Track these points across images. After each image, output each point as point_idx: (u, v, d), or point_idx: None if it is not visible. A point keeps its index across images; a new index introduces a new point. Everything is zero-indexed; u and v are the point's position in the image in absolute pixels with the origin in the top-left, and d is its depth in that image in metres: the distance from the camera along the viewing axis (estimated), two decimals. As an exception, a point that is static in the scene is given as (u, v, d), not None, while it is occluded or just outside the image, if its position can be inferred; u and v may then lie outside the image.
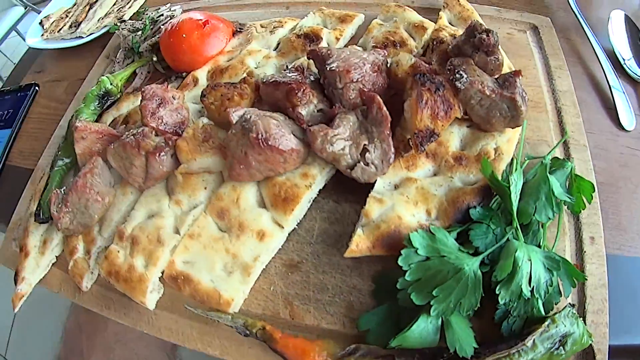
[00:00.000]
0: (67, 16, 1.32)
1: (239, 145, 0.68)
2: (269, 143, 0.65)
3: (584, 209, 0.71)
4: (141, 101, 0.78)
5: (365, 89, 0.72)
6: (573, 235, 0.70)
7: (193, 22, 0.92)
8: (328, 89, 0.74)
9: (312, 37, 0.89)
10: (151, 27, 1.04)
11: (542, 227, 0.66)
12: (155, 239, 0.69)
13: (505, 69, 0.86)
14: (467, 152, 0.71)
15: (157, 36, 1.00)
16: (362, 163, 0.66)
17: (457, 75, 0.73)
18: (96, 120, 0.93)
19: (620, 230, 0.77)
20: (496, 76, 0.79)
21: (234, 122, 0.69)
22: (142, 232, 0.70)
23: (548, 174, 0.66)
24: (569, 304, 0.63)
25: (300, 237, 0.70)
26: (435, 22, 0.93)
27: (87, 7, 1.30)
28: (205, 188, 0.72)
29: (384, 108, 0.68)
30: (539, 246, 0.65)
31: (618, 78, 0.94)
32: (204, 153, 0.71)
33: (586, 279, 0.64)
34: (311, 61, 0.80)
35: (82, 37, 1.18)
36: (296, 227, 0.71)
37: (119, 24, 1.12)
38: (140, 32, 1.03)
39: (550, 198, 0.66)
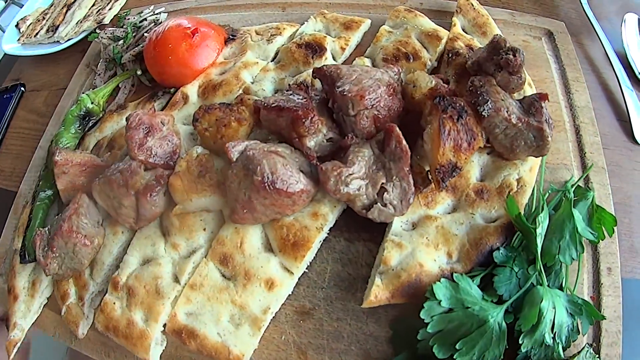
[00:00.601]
0: (44, 18, 1.13)
1: (242, 188, 0.57)
2: (276, 186, 0.55)
3: (602, 240, 0.66)
4: (126, 130, 0.65)
5: (380, 116, 0.61)
6: (590, 267, 0.64)
7: (180, 31, 0.76)
8: (338, 113, 0.62)
9: (314, 46, 0.75)
10: (133, 34, 0.87)
11: (564, 266, 0.59)
12: (154, 289, 0.59)
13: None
14: (489, 184, 0.62)
15: (141, 45, 0.84)
16: (379, 204, 0.57)
17: (481, 99, 0.62)
18: (78, 144, 0.79)
19: (633, 252, 0.70)
20: (519, 97, 0.69)
21: (234, 159, 0.58)
22: (139, 281, 0.60)
23: (572, 210, 0.59)
24: (587, 344, 0.58)
25: (311, 281, 0.61)
26: (448, 29, 0.80)
27: (65, 9, 1.11)
28: (205, 229, 0.61)
29: (404, 142, 0.57)
30: (561, 288, 0.58)
31: (632, 86, 0.86)
32: (201, 192, 0.60)
33: (604, 318, 0.59)
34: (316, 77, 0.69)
35: (60, 43, 1.01)
36: (306, 270, 0.62)
37: (98, 31, 0.95)
38: (121, 41, 0.87)
39: (575, 236, 0.59)
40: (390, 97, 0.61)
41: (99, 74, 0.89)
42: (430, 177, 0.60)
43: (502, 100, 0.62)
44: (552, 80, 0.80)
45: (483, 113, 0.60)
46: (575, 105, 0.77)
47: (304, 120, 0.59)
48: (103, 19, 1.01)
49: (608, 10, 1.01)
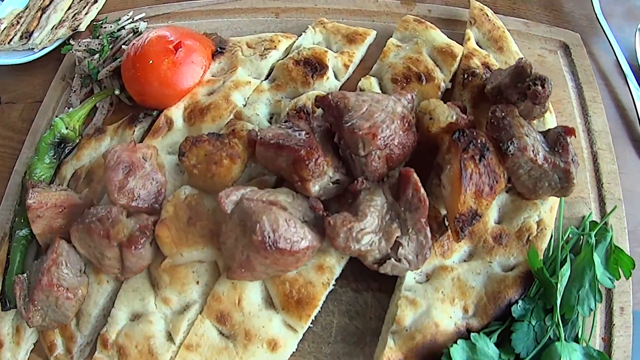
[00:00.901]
0: (18, 22, 0.98)
1: (239, 246, 0.48)
2: (279, 246, 0.46)
3: (618, 279, 0.62)
4: (104, 171, 0.56)
5: (393, 155, 0.52)
6: (604, 307, 0.60)
7: (161, 45, 0.64)
8: (345, 151, 0.54)
9: (314, 63, 0.64)
10: (110, 46, 0.75)
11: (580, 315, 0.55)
12: (147, 349, 0.52)
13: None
14: (507, 228, 0.56)
15: (119, 60, 0.72)
16: (393, 259, 0.51)
17: (504, 135, 0.53)
18: (54, 174, 0.69)
19: None
20: (541, 128, 0.61)
21: (228, 211, 0.50)
22: (130, 340, 0.53)
23: (593, 256, 0.54)
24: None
25: (316, 335, 0.55)
26: (461, 41, 0.70)
27: (40, 13, 0.95)
28: (198, 282, 0.54)
29: (422, 190, 0.49)
30: (577, 339, 0.54)
31: None
32: (192, 245, 0.52)
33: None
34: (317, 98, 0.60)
35: (34, 51, 0.88)
36: (311, 324, 0.55)
37: (72, 42, 0.81)
38: (97, 55, 0.74)
39: (594, 284, 0.54)
40: (405, 133, 0.53)
41: (75, 91, 0.77)
42: (446, 223, 0.54)
43: (527, 135, 0.55)
44: (570, 102, 0.72)
45: (508, 152, 0.53)
46: (592, 130, 0.69)
47: (307, 162, 0.50)
48: (79, 25, 0.87)
49: (618, 18, 0.93)
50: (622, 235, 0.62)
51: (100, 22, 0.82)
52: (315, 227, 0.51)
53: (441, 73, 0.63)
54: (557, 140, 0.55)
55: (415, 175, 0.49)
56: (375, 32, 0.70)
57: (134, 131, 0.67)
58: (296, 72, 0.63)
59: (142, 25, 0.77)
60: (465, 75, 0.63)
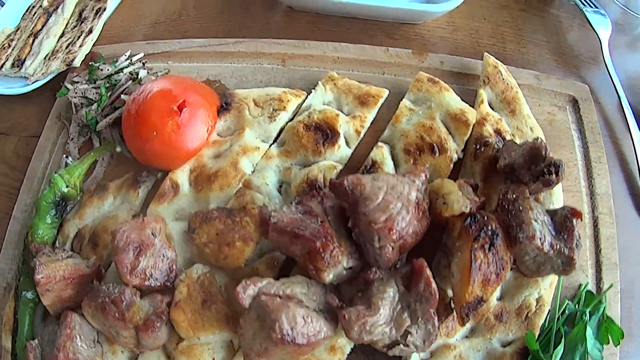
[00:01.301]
0: (9, 45, 0.92)
1: (257, 339, 0.48)
2: (297, 342, 0.47)
3: (606, 344, 0.64)
4: (114, 252, 0.54)
5: (406, 245, 0.52)
6: None
7: (164, 105, 0.60)
8: (359, 238, 0.53)
9: (325, 129, 0.62)
10: (108, 94, 0.70)
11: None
12: None
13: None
14: (508, 305, 0.58)
15: (118, 111, 0.68)
16: (401, 345, 0.53)
17: (515, 222, 0.53)
18: (57, 233, 0.67)
19: (630, 336, 0.66)
20: (547, 199, 0.62)
21: (246, 306, 0.50)
22: None
23: (586, 332, 0.56)
24: None
25: None
26: (474, 98, 0.68)
27: (31, 39, 0.89)
28: (214, 359, 0.55)
29: (433, 284, 0.50)
30: None
31: None
32: (209, 329, 0.52)
33: None
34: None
35: (27, 81, 0.83)
36: None
37: (67, 86, 0.75)
38: (95, 105, 0.70)
39: (584, 357, 0.59)
40: (419, 222, 0.53)
41: (72, 139, 0.73)
42: (452, 305, 0.56)
43: (536, 220, 0.55)
44: (575, 164, 0.72)
45: (517, 239, 0.54)
46: (595, 193, 0.70)
47: (322, 254, 0.50)
48: (73, 59, 0.81)
49: (629, 63, 0.91)
50: (615, 300, 0.64)
51: (97, 64, 0.76)
52: (330, 315, 0.52)
53: (454, 142, 0.62)
54: (563, 223, 0.56)
55: (427, 269, 0.50)
56: (388, 92, 0.67)
57: (138, 193, 0.65)
58: (307, 139, 0.61)
59: (141, 73, 0.72)
60: (478, 146, 0.62)
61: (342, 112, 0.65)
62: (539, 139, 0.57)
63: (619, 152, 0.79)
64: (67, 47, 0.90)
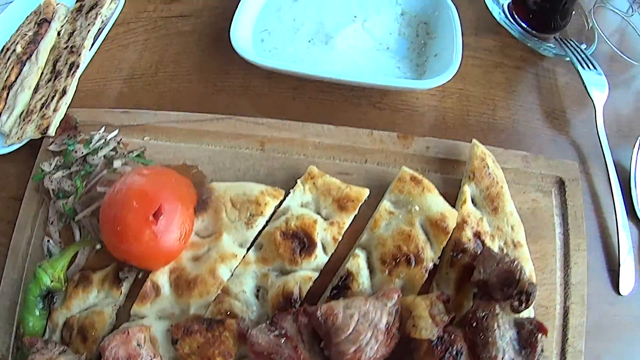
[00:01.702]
0: None
1: None
2: None
3: None
4: None
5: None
6: None
7: (140, 214, 0.58)
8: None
9: (302, 237, 0.60)
10: (84, 183, 0.68)
11: None
12: None
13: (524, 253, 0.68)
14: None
15: (96, 204, 0.66)
16: None
17: (479, 339, 0.54)
18: (47, 322, 0.67)
19: None
20: (514, 316, 0.61)
21: None
22: None
23: None
24: None
25: None
26: (456, 197, 0.67)
27: (5, 92, 0.85)
28: None
29: None
30: None
31: (630, 226, 0.79)
32: None
33: None
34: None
35: (4, 140, 0.80)
36: None
37: (42, 167, 0.72)
38: (71, 198, 0.68)
39: None
40: (387, 346, 0.53)
41: (52, 222, 0.71)
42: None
43: (501, 338, 0.56)
44: (554, 255, 0.70)
45: (481, 357, 0.55)
46: (570, 283, 0.70)
47: (294, 383, 0.51)
48: (48, 126, 0.77)
49: (623, 135, 0.87)
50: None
51: (71, 147, 0.72)
52: None
53: (431, 250, 0.60)
54: (528, 338, 0.57)
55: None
56: (368, 191, 0.64)
57: (121, 291, 0.65)
58: (284, 248, 0.60)
59: (116, 163, 0.68)
60: (455, 254, 0.61)
61: (320, 214, 0.63)
62: (516, 262, 0.56)
63: (602, 225, 0.78)
64: (41, 107, 0.85)
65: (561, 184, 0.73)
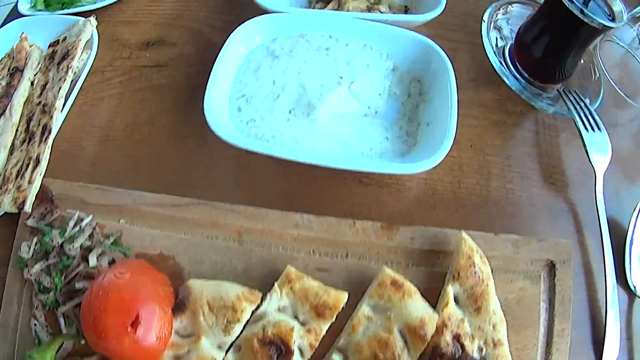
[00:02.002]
0: None
1: None
2: None
3: None
4: None
5: None
6: None
7: (119, 322, 0.56)
8: None
9: (279, 344, 0.58)
10: (62, 277, 0.65)
11: None
12: None
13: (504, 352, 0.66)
14: None
15: (77, 300, 0.64)
16: None
17: None
18: None
19: None
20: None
21: None
22: None
23: None
24: None
25: None
26: (438, 301, 0.63)
27: None
28: None
29: None
30: None
31: (619, 300, 0.76)
32: None
33: None
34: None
35: None
36: None
37: (22, 255, 0.69)
38: (51, 293, 0.66)
39: None
40: None
41: (36, 307, 0.69)
42: None
43: None
44: (535, 344, 0.68)
45: None
46: None
47: None
48: (24, 200, 0.73)
49: (620, 199, 0.80)
50: None
51: (46, 235, 0.68)
52: None
53: (408, 357, 0.58)
54: None
55: None
56: (347, 294, 0.61)
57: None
58: (261, 355, 0.58)
59: (92, 260, 0.65)
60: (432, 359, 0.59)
61: (297, 319, 0.61)
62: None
63: (591, 295, 0.75)
64: (17, 176, 0.81)
65: (551, 267, 0.69)
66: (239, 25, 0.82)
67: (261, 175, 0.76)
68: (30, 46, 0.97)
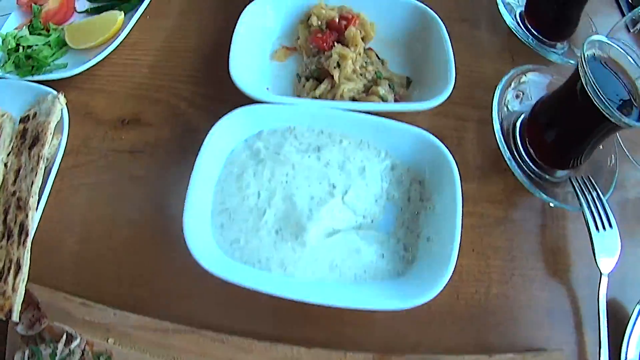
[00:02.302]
0: None
1: None
2: None
3: None
4: None
5: None
6: None
7: None
8: None
9: None
10: None
11: None
12: None
13: None
14: None
15: None
16: None
17: None
18: None
19: None
20: None
21: None
22: None
23: None
24: None
25: None
26: None
27: None
28: None
29: None
30: None
31: None
32: None
33: None
34: None
35: None
36: None
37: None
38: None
39: None
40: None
41: None
42: None
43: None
44: None
45: None
46: None
47: None
48: (10, 309, 0.68)
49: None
50: None
51: (39, 350, 0.65)
52: None
53: None
54: None
55: None
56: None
57: None
58: None
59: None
60: None
61: None
62: None
63: None
64: (1, 278, 0.77)
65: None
66: (219, 106, 0.72)
67: (249, 299, 0.65)
68: (3, 114, 0.88)
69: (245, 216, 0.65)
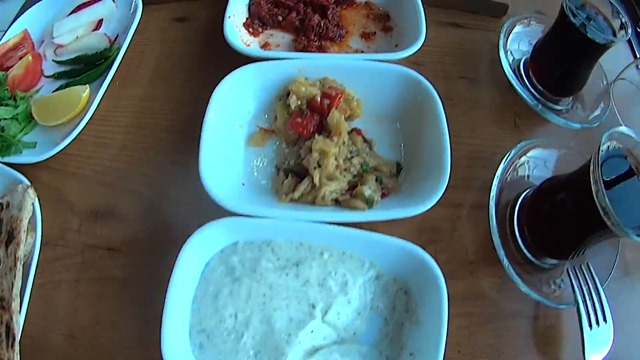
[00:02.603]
0: None
1: None
2: None
3: None
4: None
5: None
6: None
7: None
8: None
9: None
10: None
11: None
12: None
13: None
14: None
15: None
16: None
17: None
18: None
19: None
20: None
21: None
22: None
23: None
24: None
25: None
26: None
27: None
28: None
29: None
30: None
31: None
32: None
33: None
34: None
35: None
36: None
37: None
38: None
39: None
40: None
41: None
42: None
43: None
44: None
45: None
46: None
47: None
48: None
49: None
50: None
51: None
52: None
53: None
54: None
55: None
56: None
57: None
58: None
59: None
60: None
61: None
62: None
63: None
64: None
65: None
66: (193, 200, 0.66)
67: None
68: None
69: (223, 338, 0.62)
